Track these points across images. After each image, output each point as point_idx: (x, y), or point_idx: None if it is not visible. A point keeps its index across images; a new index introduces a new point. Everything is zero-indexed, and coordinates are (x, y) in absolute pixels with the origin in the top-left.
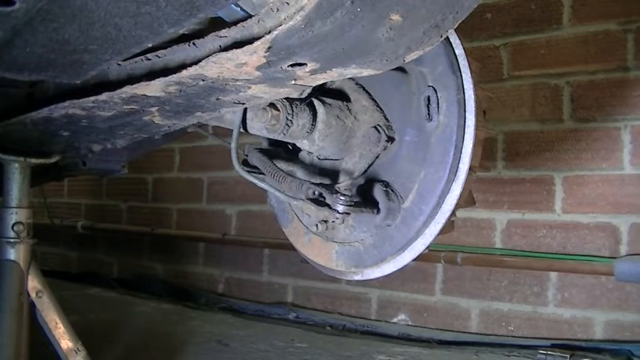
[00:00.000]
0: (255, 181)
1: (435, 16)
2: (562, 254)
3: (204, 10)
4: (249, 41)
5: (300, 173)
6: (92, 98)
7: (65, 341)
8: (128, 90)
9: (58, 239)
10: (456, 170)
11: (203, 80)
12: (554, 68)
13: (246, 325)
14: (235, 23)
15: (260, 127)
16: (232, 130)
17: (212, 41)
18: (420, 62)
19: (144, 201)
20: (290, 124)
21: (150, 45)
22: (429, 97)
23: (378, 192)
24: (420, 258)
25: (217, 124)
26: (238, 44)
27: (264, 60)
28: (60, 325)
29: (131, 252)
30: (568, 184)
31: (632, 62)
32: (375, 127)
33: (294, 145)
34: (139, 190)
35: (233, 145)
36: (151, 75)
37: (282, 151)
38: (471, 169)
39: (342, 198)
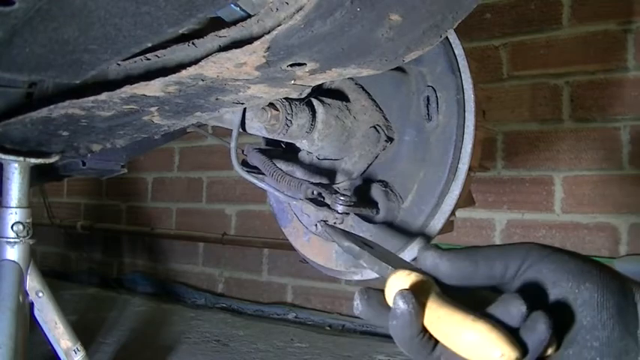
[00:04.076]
0: (255, 181)
1: (434, 16)
2: None
3: (204, 10)
4: (249, 41)
5: (299, 173)
6: (92, 98)
7: (64, 341)
8: (127, 90)
9: (58, 239)
10: (456, 170)
11: (202, 80)
12: (553, 68)
13: (245, 324)
14: (235, 23)
15: (259, 127)
16: (232, 130)
17: (211, 41)
18: (419, 62)
19: (143, 201)
20: (289, 124)
21: (149, 45)
22: (428, 97)
23: (377, 192)
24: None
25: (217, 124)
26: (238, 44)
27: (264, 60)
28: (59, 324)
29: (131, 252)
30: (568, 184)
31: (632, 62)
32: (375, 127)
33: (293, 144)
34: (139, 189)
35: (232, 145)
36: (151, 75)
37: (281, 151)
38: (470, 169)
39: (341, 198)
